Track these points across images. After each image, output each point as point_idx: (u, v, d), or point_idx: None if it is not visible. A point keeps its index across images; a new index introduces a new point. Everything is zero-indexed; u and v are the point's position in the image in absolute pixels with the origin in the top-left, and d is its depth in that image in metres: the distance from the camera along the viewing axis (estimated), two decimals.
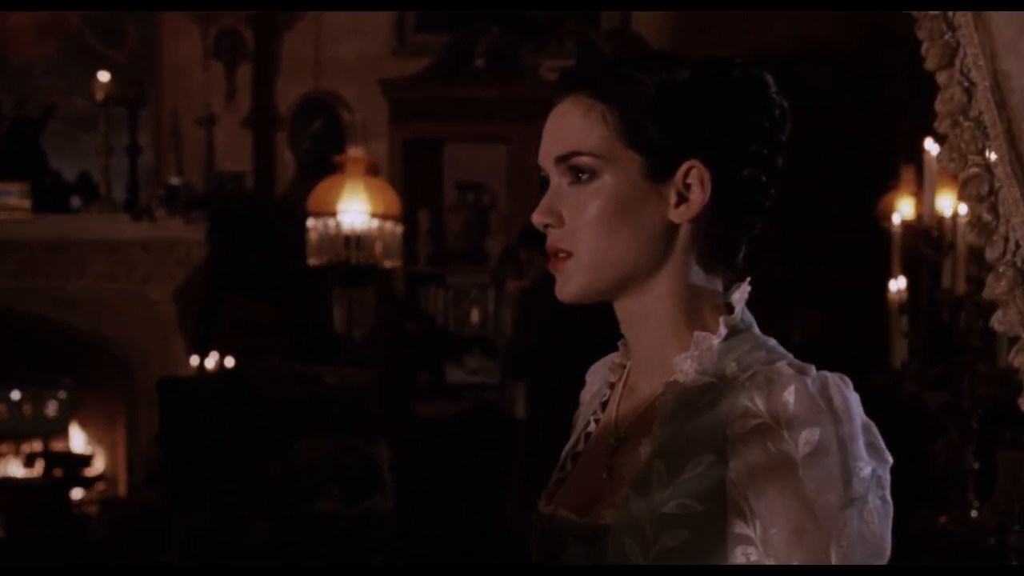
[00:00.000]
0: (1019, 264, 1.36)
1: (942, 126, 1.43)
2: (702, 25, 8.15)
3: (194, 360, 8.14)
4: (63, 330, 8.67)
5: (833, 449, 1.41)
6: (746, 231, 1.56)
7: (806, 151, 8.21)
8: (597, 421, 1.64)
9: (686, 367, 1.51)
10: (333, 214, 6.26)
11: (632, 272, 1.53)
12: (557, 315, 5.11)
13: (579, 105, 1.53)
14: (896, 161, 7.10)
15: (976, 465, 4.56)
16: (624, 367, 1.63)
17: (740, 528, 1.43)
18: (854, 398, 1.45)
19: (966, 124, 1.40)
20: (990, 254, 1.39)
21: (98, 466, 8.90)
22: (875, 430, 1.47)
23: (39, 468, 8.72)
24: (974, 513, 4.54)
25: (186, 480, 5.11)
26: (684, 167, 1.51)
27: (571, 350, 5.08)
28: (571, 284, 1.54)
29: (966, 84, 1.38)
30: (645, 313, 1.55)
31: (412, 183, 8.21)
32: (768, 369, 1.46)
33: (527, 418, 5.93)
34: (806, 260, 8.20)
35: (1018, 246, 1.35)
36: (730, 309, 1.55)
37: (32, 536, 7.68)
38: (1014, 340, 1.50)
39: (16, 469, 8.81)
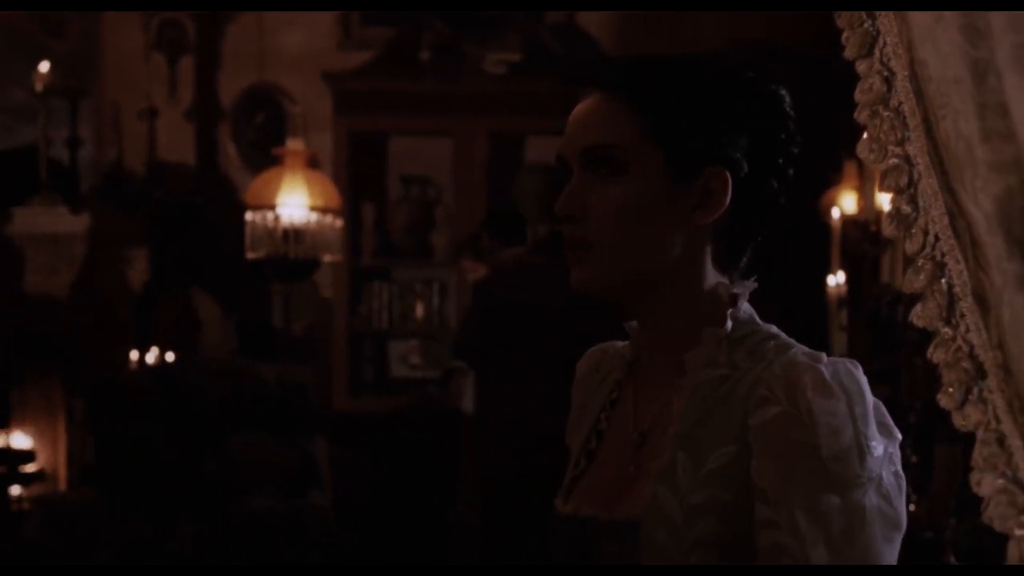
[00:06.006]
0: (938, 257, 1.34)
1: (861, 116, 1.41)
2: (647, 20, 8.13)
3: (134, 355, 8.05)
4: (1, 324, 8.56)
5: (849, 432, 1.47)
6: (757, 234, 1.64)
7: None
8: (608, 419, 1.69)
9: (699, 362, 1.57)
10: (272, 207, 6.19)
11: (649, 270, 1.58)
12: (509, 308, 5.05)
13: (610, 101, 1.58)
14: (839, 156, 7.10)
15: (914, 459, 4.58)
16: (630, 364, 1.69)
17: (765, 513, 1.48)
18: (864, 380, 1.52)
19: (885, 114, 1.38)
20: (909, 247, 1.38)
21: (38, 462, 8.79)
22: (883, 409, 1.53)
23: None
24: (911, 507, 4.55)
25: (119, 477, 5.04)
26: (708, 172, 1.57)
27: (523, 344, 5.03)
28: (587, 274, 1.58)
29: (885, 73, 1.36)
30: (660, 311, 1.61)
31: (356, 176, 8.14)
32: (784, 359, 1.54)
33: (476, 413, 5.86)
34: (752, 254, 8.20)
35: (937, 239, 1.33)
36: (734, 303, 1.62)
37: None
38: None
39: None
